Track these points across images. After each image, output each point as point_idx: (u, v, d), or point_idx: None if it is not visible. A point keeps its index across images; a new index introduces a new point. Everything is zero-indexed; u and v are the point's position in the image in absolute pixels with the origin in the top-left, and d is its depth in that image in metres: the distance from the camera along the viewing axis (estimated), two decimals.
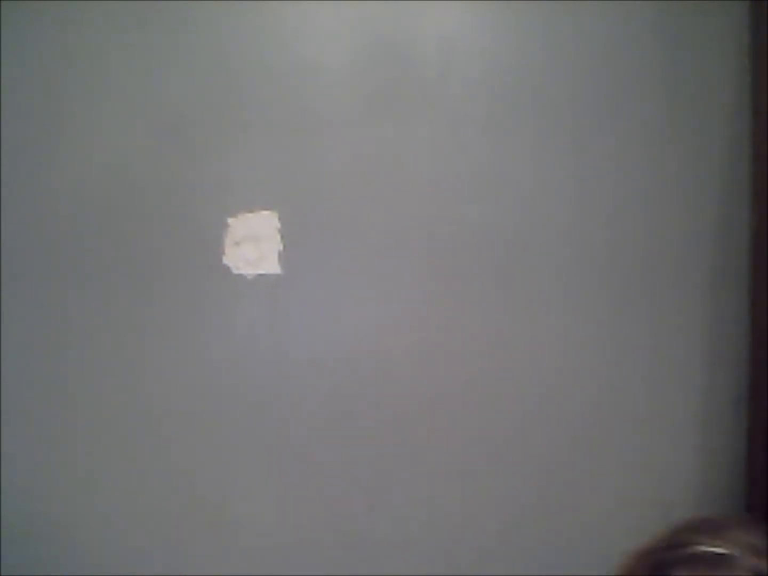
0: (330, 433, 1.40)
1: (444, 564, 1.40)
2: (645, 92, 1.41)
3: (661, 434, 1.40)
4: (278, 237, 1.39)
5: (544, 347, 1.41)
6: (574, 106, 1.41)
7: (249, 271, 1.39)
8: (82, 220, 1.39)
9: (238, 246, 1.39)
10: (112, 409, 1.39)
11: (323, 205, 1.41)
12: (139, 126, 1.40)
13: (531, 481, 1.41)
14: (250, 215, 1.39)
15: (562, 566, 1.39)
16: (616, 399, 1.39)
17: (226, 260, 1.39)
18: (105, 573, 1.36)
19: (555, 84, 1.41)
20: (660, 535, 0.88)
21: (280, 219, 1.39)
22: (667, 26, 1.41)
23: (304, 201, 1.41)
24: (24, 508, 1.39)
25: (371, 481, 1.40)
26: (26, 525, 1.39)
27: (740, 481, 1.40)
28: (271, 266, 1.39)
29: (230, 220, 1.39)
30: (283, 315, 1.40)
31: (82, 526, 1.39)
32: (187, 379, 1.40)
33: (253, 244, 1.39)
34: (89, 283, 1.39)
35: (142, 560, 1.38)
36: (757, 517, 0.91)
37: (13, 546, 1.36)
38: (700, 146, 1.41)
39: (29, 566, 1.36)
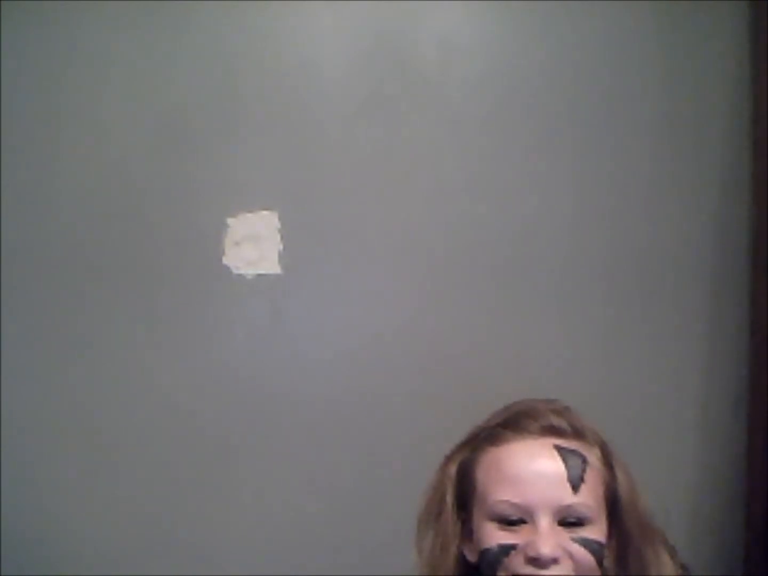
0: (331, 431, 1.40)
1: None
2: (645, 92, 1.41)
3: (660, 435, 1.40)
4: (278, 237, 1.40)
5: (544, 346, 1.41)
6: (573, 107, 1.41)
7: (249, 271, 1.40)
8: (82, 220, 1.40)
9: (238, 246, 1.39)
10: (114, 408, 1.40)
11: (323, 205, 1.41)
12: (139, 126, 1.40)
13: None
14: (250, 215, 1.39)
15: None
16: (614, 399, 1.39)
17: (226, 260, 1.39)
18: (107, 573, 1.37)
19: (555, 84, 1.41)
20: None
21: (280, 219, 1.40)
22: (667, 26, 1.41)
23: (304, 201, 1.41)
24: (25, 509, 1.39)
25: (376, 478, 1.40)
26: (28, 525, 1.39)
27: (740, 481, 1.40)
28: (271, 266, 1.40)
29: (230, 220, 1.39)
30: (283, 315, 1.40)
31: (86, 526, 1.39)
32: (188, 378, 1.40)
33: (253, 244, 1.39)
34: (89, 284, 1.40)
35: (144, 558, 1.38)
36: None
37: (13, 546, 1.37)
38: (700, 146, 1.41)
39: (29, 566, 1.37)
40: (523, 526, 0.92)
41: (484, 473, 0.97)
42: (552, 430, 0.96)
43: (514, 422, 0.98)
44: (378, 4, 1.40)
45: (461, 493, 1.00)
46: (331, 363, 1.40)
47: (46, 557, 1.38)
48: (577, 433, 0.97)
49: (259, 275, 1.40)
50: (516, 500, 0.92)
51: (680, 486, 1.41)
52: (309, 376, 1.40)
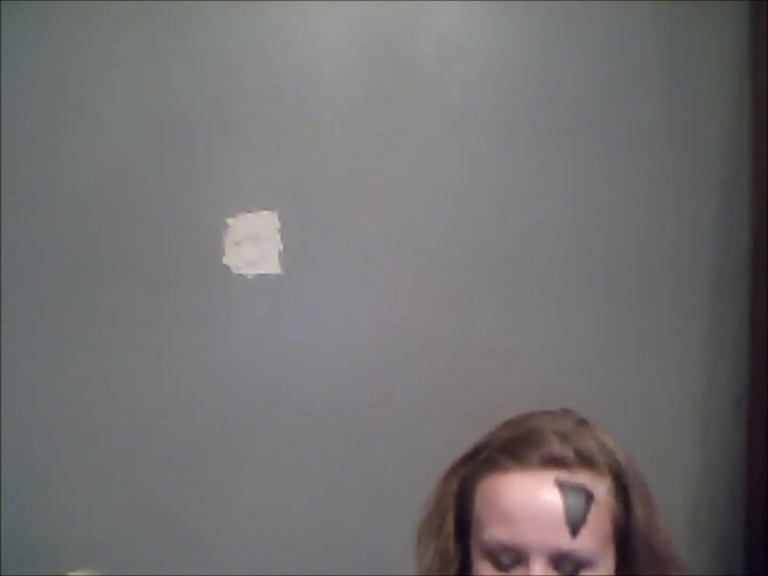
0: (331, 430, 1.40)
1: None
2: (645, 92, 1.41)
3: (661, 434, 1.40)
4: (278, 237, 1.40)
5: (544, 345, 1.41)
6: (573, 107, 1.41)
7: (249, 271, 1.40)
8: (82, 221, 1.40)
9: (238, 246, 1.39)
10: (113, 407, 1.40)
11: (323, 205, 1.41)
12: (139, 126, 1.40)
13: None
14: (250, 215, 1.39)
15: None
16: (614, 399, 1.39)
17: (226, 260, 1.39)
18: (106, 572, 1.37)
19: (555, 84, 1.41)
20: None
21: (280, 219, 1.40)
22: (667, 26, 1.41)
23: (304, 201, 1.41)
24: (26, 507, 1.39)
25: (374, 474, 1.40)
26: (29, 523, 1.39)
27: (740, 481, 1.40)
28: (271, 266, 1.40)
29: (230, 220, 1.39)
30: (283, 315, 1.40)
31: (86, 525, 1.39)
32: (188, 377, 1.40)
33: (253, 244, 1.39)
34: (89, 284, 1.39)
35: (144, 556, 1.38)
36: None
37: (14, 545, 1.37)
38: (700, 146, 1.41)
39: (29, 565, 1.37)
40: (517, 566, 0.84)
41: (480, 504, 0.89)
42: (554, 462, 0.86)
43: (514, 448, 0.89)
44: (378, 4, 1.40)
45: (461, 515, 0.93)
46: (331, 362, 1.40)
47: (47, 556, 1.37)
48: (586, 462, 0.87)
49: (259, 275, 1.40)
50: (509, 542, 0.84)
51: (680, 486, 1.41)
52: (309, 376, 1.40)
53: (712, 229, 1.42)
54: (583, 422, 0.94)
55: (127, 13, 1.39)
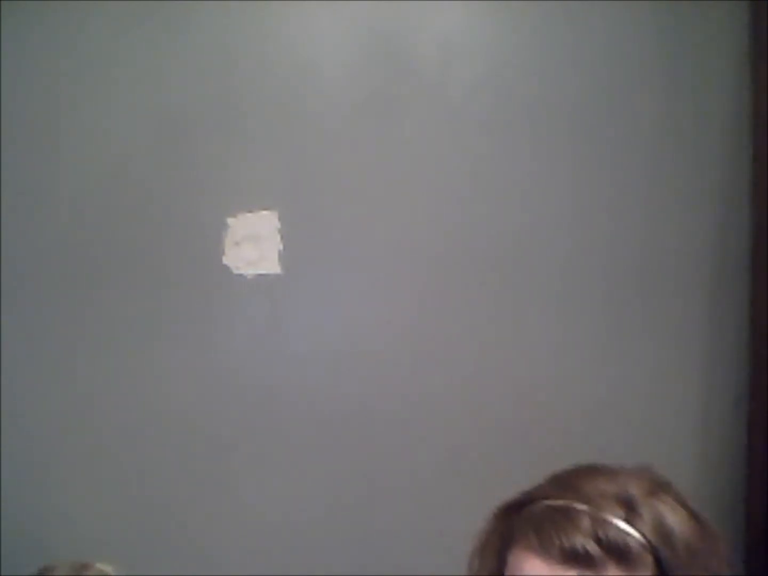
0: (331, 430, 1.40)
1: (442, 561, 1.40)
2: (645, 92, 1.41)
3: (661, 434, 1.40)
4: (278, 237, 1.40)
5: (544, 345, 1.41)
6: (573, 107, 1.41)
7: (249, 271, 1.40)
8: (82, 221, 1.40)
9: (238, 246, 1.39)
10: (113, 407, 1.40)
11: (323, 205, 1.41)
12: (140, 126, 1.40)
13: (529, 482, 1.41)
14: (250, 215, 1.39)
15: None
16: (615, 399, 1.39)
17: (226, 260, 1.39)
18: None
19: (555, 84, 1.41)
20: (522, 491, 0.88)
21: (280, 219, 1.40)
22: (667, 26, 1.41)
23: (304, 201, 1.41)
24: (26, 506, 1.39)
25: (371, 476, 1.40)
26: (29, 522, 1.39)
27: (740, 480, 1.40)
28: (271, 266, 1.40)
29: (230, 220, 1.39)
30: (283, 315, 1.40)
31: (86, 525, 1.39)
32: (188, 376, 1.40)
33: (253, 244, 1.39)
34: (90, 284, 1.40)
35: (144, 556, 1.38)
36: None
37: (14, 544, 1.37)
38: (700, 146, 1.41)
39: (29, 564, 1.37)
40: None
41: (507, 573, 0.83)
42: (577, 559, 0.76)
43: (542, 528, 0.80)
44: (378, 4, 1.40)
45: (501, 565, 0.87)
46: (330, 362, 1.40)
47: (46, 555, 1.37)
48: (618, 556, 0.76)
49: (259, 275, 1.40)
50: None
51: (680, 486, 1.41)
52: (308, 375, 1.40)
53: (712, 229, 1.42)
54: (654, 489, 0.86)
55: (127, 13, 1.39)
